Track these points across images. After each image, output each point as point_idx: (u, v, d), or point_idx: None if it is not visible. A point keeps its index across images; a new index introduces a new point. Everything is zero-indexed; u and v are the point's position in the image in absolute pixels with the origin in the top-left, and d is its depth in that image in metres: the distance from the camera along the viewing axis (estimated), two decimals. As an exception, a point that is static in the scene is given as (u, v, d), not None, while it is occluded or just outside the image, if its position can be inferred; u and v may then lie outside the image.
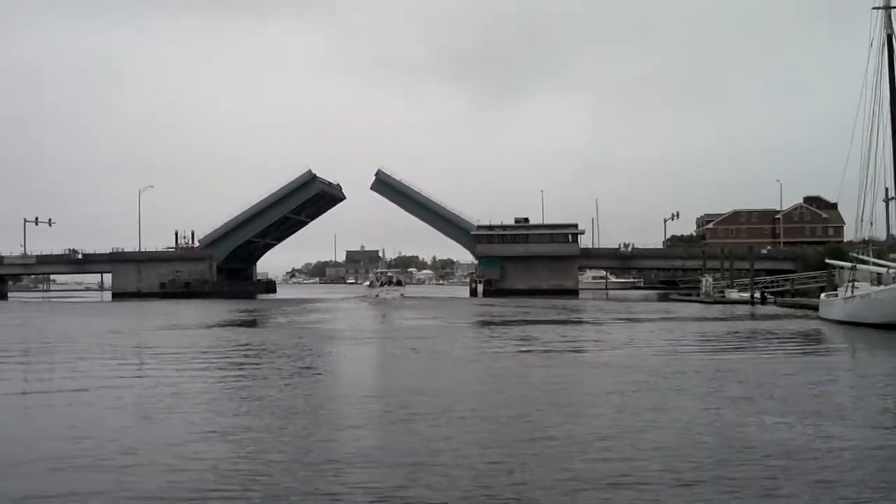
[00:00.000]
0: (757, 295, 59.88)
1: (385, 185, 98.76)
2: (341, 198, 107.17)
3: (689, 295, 72.02)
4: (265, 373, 18.51)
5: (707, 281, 67.61)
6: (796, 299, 55.55)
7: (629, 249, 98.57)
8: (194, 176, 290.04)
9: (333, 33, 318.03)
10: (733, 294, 63.18)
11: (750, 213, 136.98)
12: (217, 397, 14.75)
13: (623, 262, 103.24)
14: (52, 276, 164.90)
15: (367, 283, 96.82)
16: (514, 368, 19.11)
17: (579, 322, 39.58)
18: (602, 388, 15.40)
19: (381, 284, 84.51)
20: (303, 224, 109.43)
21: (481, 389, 15.76)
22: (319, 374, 18.99)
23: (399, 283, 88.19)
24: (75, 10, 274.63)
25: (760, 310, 50.77)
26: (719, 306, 57.11)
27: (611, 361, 20.28)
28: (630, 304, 66.30)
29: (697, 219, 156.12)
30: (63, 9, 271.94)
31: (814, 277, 61.16)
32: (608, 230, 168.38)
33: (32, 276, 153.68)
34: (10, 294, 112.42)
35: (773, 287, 65.69)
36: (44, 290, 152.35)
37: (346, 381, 17.76)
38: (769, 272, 76.67)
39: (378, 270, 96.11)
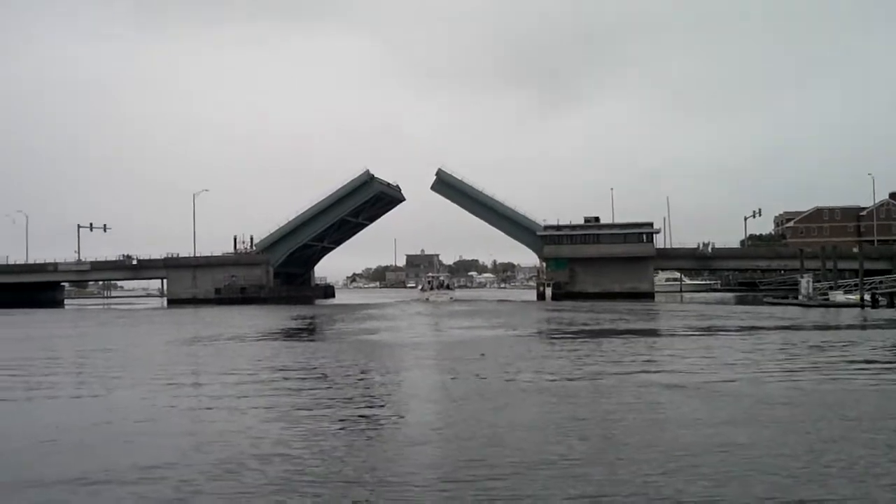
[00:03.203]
0: (867, 297, 52.84)
1: (446, 185, 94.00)
2: (400, 199, 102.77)
3: (786, 297, 64.98)
4: (310, 412, 13.63)
5: (807, 282, 60.53)
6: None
7: (709, 249, 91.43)
8: (252, 183, 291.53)
9: (385, 40, 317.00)
10: (839, 296, 56.17)
11: (832, 210, 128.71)
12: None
13: (702, 262, 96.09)
14: (118, 283, 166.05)
15: (420, 287, 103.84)
16: (608, 406, 13.77)
17: (675, 333, 33.65)
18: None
19: (432, 288, 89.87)
20: (361, 227, 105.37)
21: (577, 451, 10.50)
22: (374, 418, 14.01)
23: (448, 287, 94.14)
24: (133, 23, 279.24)
25: (876, 314, 44.00)
26: (822, 310, 50.45)
27: (767, 396, 14.76)
28: (719, 307, 59.76)
29: (776, 217, 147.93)
30: (120, 23, 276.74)
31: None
32: (678, 230, 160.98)
33: (100, 283, 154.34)
34: (67, 301, 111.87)
35: (881, 288, 58.31)
36: (104, 297, 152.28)
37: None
38: (857, 273, 68.45)
39: (430, 275, 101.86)
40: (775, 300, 64.60)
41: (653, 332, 33.28)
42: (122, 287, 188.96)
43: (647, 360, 20.69)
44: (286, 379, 17.90)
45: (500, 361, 20.88)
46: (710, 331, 32.96)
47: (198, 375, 19.41)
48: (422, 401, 14.52)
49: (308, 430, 11.49)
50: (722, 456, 9.44)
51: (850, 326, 35.10)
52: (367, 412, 13.32)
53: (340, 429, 11.71)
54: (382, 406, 14.08)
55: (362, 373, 18.98)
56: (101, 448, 10.75)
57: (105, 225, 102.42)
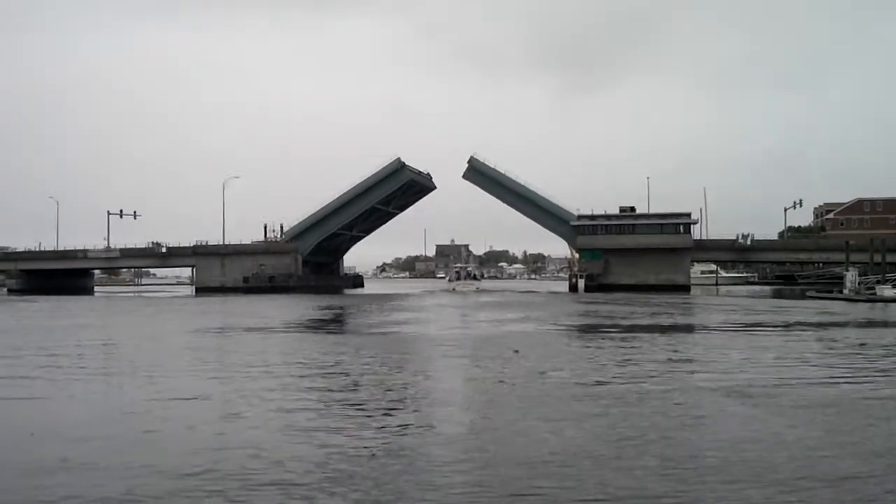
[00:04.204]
0: (919, 292, 50.17)
1: (478, 174, 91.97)
2: (431, 187, 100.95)
3: (830, 291, 62.21)
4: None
5: (853, 276, 57.79)
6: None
7: (748, 241, 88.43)
8: (282, 172, 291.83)
9: (416, 24, 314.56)
10: (886, 291, 53.40)
11: (874, 201, 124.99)
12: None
13: (741, 254, 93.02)
14: (150, 270, 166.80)
15: (447, 277, 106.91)
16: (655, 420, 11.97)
17: (723, 329, 31.58)
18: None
19: (459, 279, 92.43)
20: (391, 216, 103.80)
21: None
22: (396, 432, 12.35)
23: (475, 278, 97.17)
24: (155, 9, 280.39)
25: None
26: (869, 305, 47.94)
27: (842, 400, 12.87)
28: (761, 301, 57.39)
29: (815, 208, 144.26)
30: (145, 10, 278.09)
31: None
32: (714, 221, 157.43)
33: (132, 270, 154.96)
34: (97, 289, 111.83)
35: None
36: (135, 285, 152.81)
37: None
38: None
39: (457, 266, 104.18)
40: (818, 294, 61.93)
41: (698, 328, 31.27)
42: (154, 275, 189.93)
43: (699, 361, 18.77)
44: (302, 377, 16.32)
45: (535, 360, 19.12)
46: (760, 327, 30.85)
47: (195, 374, 17.90)
48: (453, 408, 12.82)
49: (318, 443, 9.88)
50: (831, 492, 7.64)
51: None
52: (387, 422, 11.64)
53: (353, 447, 10.04)
54: (406, 413, 12.40)
55: (386, 373, 17.31)
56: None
57: (135, 212, 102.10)
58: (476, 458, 9.13)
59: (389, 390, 14.43)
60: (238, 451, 9.47)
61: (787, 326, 30.63)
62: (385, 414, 12.16)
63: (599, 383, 15.11)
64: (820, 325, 30.96)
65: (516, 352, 21.18)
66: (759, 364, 17.94)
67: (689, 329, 31.01)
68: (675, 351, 21.46)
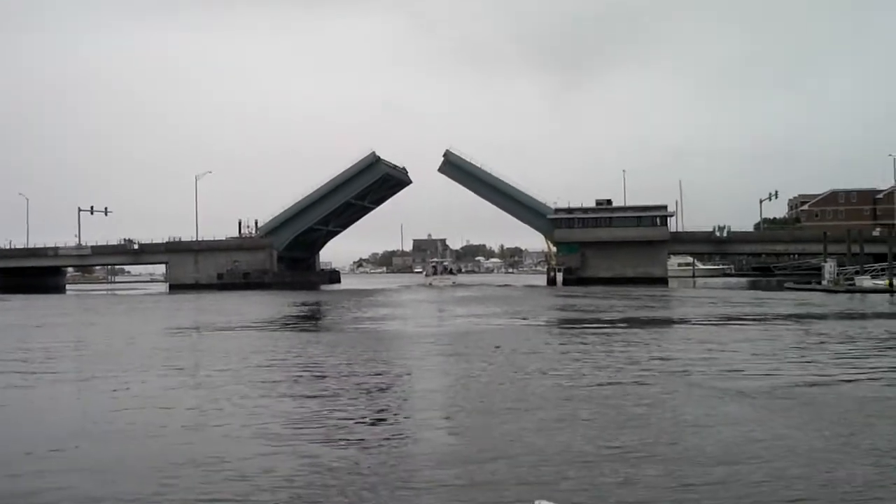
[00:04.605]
0: (896, 282, 50.27)
1: (454, 167, 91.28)
2: (407, 182, 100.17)
3: (808, 282, 62.26)
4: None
5: (831, 266, 57.87)
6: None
7: (724, 233, 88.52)
8: (258, 166, 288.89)
9: (405, 20, 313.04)
10: (865, 281, 53.53)
11: (848, 192, 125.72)
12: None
13: (717, 247, 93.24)
14: (124, 268, 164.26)
15: (424, 272, 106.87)
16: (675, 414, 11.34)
17: (707, 322, 31.14)
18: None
19: (436, 273, 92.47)
20: (367, 210, 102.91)
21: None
22: (371, 441, 11.59)
23: (451, 272, 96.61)
24: (155, 9, 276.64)
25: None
26: (849, 296, 47.91)
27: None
28: (740, 293, 57.34)
29: (790, 200, 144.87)
30: (145, 10, 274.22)
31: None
32: (691, 214, 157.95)
33: (107, 268, 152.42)
34: (69, 287, 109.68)
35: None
36: (109, 282, 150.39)
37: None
38: (877, 257, 65.21)
39: (433, 260, 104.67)
40: (797, 285, 62.01)
41: (680, 321, 30.79)
42: (129, 272, 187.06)
43: (688, 356, 18.19)
44: (275, 382, 15.48)
45: (517, 357, 18.45)
46: (744, 319, 30.47)
47: (162, 377, 17.00)
48: (435, 410, 12.10)
49: (293, 451, 9.10)
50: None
51: (893, 315, 32.57)
52: (363, 431, 10.88)
53: (330, 457, 9.26)
54: (383, 418, 11.65)
55: (362, 372, 16.54)
56: None
57: (106, 208, 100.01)
58: (463, 472, 8.39)
59: (369, 392, 13.67)
60: (204, 464, 8.65)
61: (772, 319, 30.22)
62: (364, 420, 11.39)
63: (591, 382, 14.45)
64: (804, 317, 30.63)
65: (497, 347, 20.57)
66: (755, 359, 17.37)
67: (671, 322, 30.52)
68: (660, 346, 20.90)
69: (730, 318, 30.98)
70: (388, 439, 9.92)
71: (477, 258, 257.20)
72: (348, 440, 9.87)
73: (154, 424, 10.98)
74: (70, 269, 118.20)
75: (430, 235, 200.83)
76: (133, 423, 11.20)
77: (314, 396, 13.32)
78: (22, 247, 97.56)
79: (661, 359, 17.74)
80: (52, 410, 12.77)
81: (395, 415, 11.86)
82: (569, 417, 11.05)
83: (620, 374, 15.37)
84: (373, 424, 10.96)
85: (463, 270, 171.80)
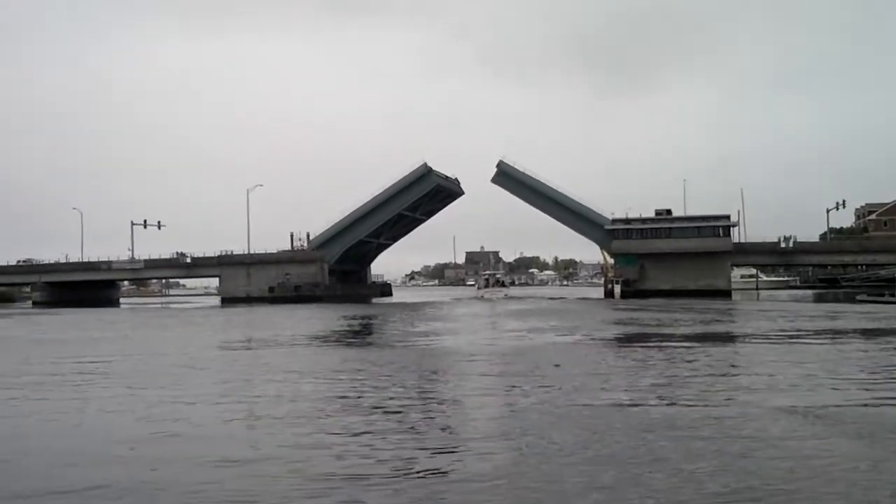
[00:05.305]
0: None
1: (507, 178, 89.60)
2: (459, 193, 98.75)
3: (882, 294, 58.73)
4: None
5: (911, 278, 54.42)
6: None
7: (790, 244, 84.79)
8: (309, 180, 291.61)
9: (444, 29, 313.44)
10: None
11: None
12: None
13: (782, 258, 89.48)
14: (179, 281, 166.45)
15: (476, 285, 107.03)
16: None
17: (790, 338, 28.72)
18: None
19: (488, 286, 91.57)
20: (419, 222, 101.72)
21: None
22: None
23: (503, 285, 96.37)
24: (185, 21, 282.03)
25: None
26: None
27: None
28: (810, 306, 54.22)
29: (857, 209, 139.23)
30: (172, 21, 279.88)
31: None
32: (753, 223, 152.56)
33: (162, 281, 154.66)
34: (123, 300, 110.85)
35: None
36: (162, 295, 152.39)
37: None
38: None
39: (486, 273, 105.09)
40: (870, 298, 58.48)
41: (755, 337, 28.42)
42: (184, 285, 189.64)
43: (766, 376, 16.12)
44: (319, 400, 13.97)
45: (581, 379, 16.61)
46: (827, 335, 27.96)
47: (202, 398, 15.64)
48: (493, 442, 10.39)
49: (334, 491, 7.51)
50: None
51: None
52: (414, 464, 9.21)
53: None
54: (436, 453, 9.98)
55: (410, 395, 14.92)
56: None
57: (159, 222, 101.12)
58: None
59: (417, 419, 12.05)
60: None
61: (859, 333, 27.70)
62: (414, 455, 9.74)
63: (661, 404, 12.57)
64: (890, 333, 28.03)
65: (557, 366, 18.82)
66: (856, 382, 15.24)
67: (742, 339, 28.18)
68: (734, 366, 18.83)
69: (818, 332, 28.53)
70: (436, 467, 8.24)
71: (530, 270, 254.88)
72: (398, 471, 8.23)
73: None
74: (125, 283, 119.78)
75: (482, 247, 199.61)
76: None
77: (362, 425, 11.74)
78: (76, 261, 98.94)
79: (736, 376, 15.70)
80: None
81: (444, 445, 10.18)
82: (628, 441, 9.22)
83: (689, 393, 13.43)
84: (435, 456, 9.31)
85: (516, 283, 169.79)
